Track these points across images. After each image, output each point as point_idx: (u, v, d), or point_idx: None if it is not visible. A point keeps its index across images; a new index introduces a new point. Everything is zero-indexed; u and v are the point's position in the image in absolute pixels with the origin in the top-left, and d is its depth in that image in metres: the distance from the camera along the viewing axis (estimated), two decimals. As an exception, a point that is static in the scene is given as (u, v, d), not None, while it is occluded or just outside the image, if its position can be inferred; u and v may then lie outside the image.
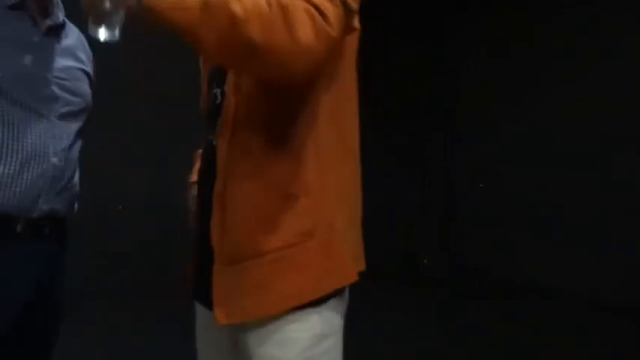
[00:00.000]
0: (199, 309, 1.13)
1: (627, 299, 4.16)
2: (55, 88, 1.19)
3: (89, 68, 1.34)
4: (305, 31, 0.84)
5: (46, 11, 1.22)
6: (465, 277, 5.45)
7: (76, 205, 1.38)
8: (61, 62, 1.22)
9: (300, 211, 0.97)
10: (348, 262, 1.02)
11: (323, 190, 0.99)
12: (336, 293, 1.02)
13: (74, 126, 1.24)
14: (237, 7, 0.81)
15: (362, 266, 1.10)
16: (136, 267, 4.29)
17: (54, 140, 1.17)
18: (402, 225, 5.81)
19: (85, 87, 1.29)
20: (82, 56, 1.31)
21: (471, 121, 5.89)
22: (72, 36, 1.29)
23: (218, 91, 1.06)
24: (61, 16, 1.26)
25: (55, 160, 1.17)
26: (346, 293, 1.06)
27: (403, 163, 5.97)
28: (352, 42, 1.03)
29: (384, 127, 5.87)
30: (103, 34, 0.87)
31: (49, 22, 1.21)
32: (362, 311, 4.12)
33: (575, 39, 4.80)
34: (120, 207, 4.40)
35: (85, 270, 4.45)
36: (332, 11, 0.88)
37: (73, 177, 1.28)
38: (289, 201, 0.97)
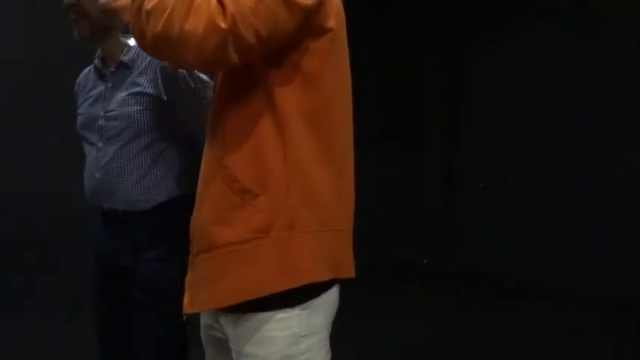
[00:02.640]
0: None
1: (627, 298, 4.17)
2: (102, 121, 1.59)
3: (149, 88, 1.54)
4: (195, 23, 0.88)
5: (111, 61, 1.61)
6: (465, 276, 5.45)
7: (138, 202, 1.59)
8: (116, 96, 1.57)
9: (257, 207, 0.98)
10: (311, 262, 0.99)
11: (286, 189, 0.98)
12: (315, 293, 1.01)
13: (115, 145, 1.56)
14: (149, 4, 0.92)
15: (343, 273, 1.06)
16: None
17: (97, 161, 1.60)
18: (402, 225, 5.80)
19: (129, 109, 1.54)
20: (141, 80, 1.55)
21: (471, 120, 5.89)
22: (141, 63, 1.57)
23: None
24: (125, 57, 1.58)
25: (97, 175, 1.60)
26: (332, 293, 1.05)
27: (403, 163, 5.97)
28: (324, 43, 1.01)
29: (384, 126, 5.87)
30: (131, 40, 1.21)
31: (111, 69, 1.61)
32: (362, 311, 4.16)
33: (577, 40, 4.80)
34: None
35: (85, 269, 4.45)
36: (241, 3, 0.88)
37: (118, 182, 1.57)
38: (247, 197, 0.98)
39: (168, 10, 0.89)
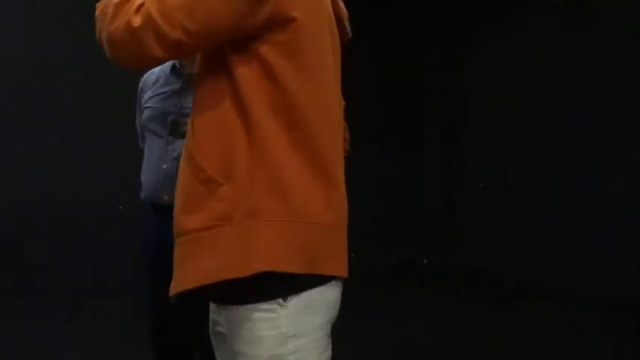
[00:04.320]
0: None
1: (627, 298, 4.17)
2: (175, 117, 1.71)
3: None
4: (116, 24, 0.96)
5: (192, 62, 1.69)
6: (465, 276, 5.45)
7: None
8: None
9: (220, 196, 0.99)
10: (273, 251, 0.97)
11: (251, 179, 0.98)
12: (296, 288, 0.99)
13: None
14: (96, 11, 1.01)
15: (324, 269, 1.02)
16: (136, 267, 4.30)
17: (166, 153, 1.71)
18: (402, 224, 5.80)
19: None
20: None
21: (472, 121, 5.89)
22: None
23: None
24: None
25: (165, 166, 1.69)
26: (327, 291, 1.04)
27: (403, 163, 5.97)
28: (287, 33, 0.98)
29: (383, 124, 5.87)
30: None
31: (189, 70, 1.69)
32: (362, 310, 4.15)
33: (576, 36, 4.80)
34: (120, 207, 4.40)
35: (85, 269, 4.45)
36: (164, 1, 0.93)
37: None
38: (211, 186, 1.00)
39: (102, 16, 0.99)
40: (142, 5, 0.94)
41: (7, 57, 4.36)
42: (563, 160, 4.87)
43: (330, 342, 1.06)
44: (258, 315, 0.98)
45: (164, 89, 1.78)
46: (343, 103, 1.20)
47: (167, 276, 1.68)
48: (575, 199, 4.73)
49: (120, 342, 3.28)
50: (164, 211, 1.65)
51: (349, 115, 1.12)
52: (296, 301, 0.99)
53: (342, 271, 1.06)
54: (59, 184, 4.36)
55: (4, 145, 4.33)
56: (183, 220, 1.03)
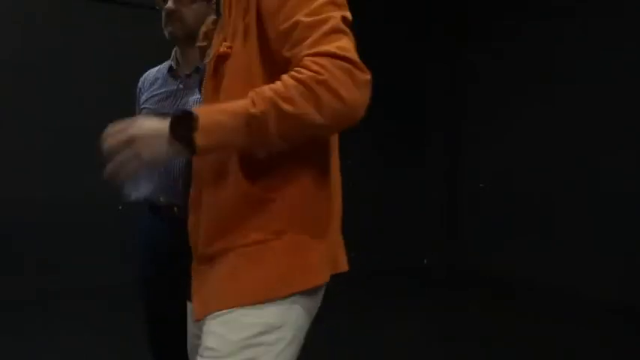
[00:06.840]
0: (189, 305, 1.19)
1: (627, 299, 4.17)
2: None
3: None
4: (347, 90, 0.89)
5: (187, 65, 1.74)
6: (465, 276, 5.45)
7: None
8: (190, 97, 1.70)
9: (272, 211, 1.00)
10: (319, 264, 1.03)
11: (299, 192, 1.01)
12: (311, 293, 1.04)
13: None
14: (286, 107, 0.88)
15: (340, 268, 1.11)
16: (136, 267, 4.30)
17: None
18: (404, 226, 5.81)
19: None
20: None
21: (472, 121, 5.90)
22: None
23: None
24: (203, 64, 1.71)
25: (161, 168, 1.69)
26: (316, 292, 1.07)
27: (404, 163, 5.97)
28: None
29: (386, 127, 5.88)
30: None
31: (186, 72, 1.74)
32: (362, 311, 4.13)
33: (579, 42, 4.80)
34: (120, 207, 4.39)
35: (84, 269, 4.45)
36: (353, 50, 0.91)
37: (179, 178, 1.64)
38: (263, 203, 1.00)
39: (314, 99, 0.88)
40: (351, 60, 0.91)
41: (7, 55, 4.36)
42: (564, 161, 4.87)
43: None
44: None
45: (161, 90, 1.79)
46: None
47: (161, 276, 1.65)
48: (575, 199, 4.73)
49: (120, 342, 3.28)
50: (160, 212, 1.73)
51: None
52: (301, 302, 1.03)
53: (346, 265, 1.14)
54: (59, 183, 4.36)
55: (3, 144, 4.33)
56: (231, 236, 1.01)
